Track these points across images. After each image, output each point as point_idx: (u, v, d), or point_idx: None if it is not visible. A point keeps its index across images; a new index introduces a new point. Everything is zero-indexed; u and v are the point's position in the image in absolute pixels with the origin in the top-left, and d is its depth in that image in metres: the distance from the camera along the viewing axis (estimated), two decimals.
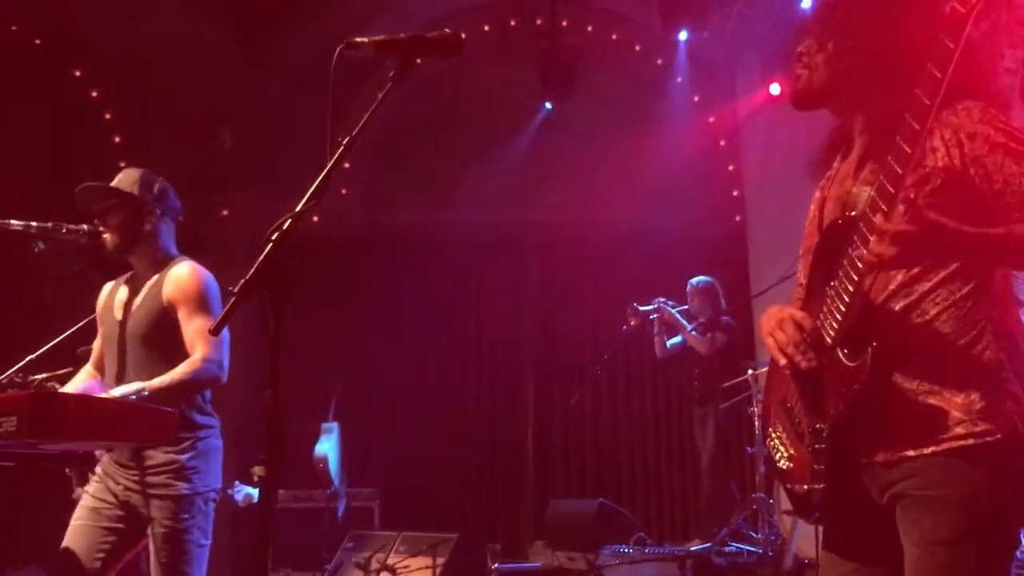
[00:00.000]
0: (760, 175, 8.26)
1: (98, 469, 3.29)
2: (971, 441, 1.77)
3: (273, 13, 8.29)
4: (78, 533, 3.18)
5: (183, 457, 3.18)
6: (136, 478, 3.16)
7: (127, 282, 3.47)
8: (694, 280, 7.18)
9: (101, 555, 3.15)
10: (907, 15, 1.94)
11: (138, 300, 3.35)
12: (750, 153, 8.59)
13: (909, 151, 1.71)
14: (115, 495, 3.22)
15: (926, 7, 1.93)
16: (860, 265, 1.79)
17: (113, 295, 3.47)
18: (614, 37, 8.87)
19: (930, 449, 1.79)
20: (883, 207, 1.74)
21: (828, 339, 1.88)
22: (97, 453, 3.29)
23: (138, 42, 7.95)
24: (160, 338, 3.27)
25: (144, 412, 2.87)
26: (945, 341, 1.83)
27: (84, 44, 8.09)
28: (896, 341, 1.83)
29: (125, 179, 3.39)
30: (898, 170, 1.72)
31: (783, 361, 1.95)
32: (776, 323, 1.96)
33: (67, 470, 3.42)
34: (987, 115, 1.84)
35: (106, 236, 3.34)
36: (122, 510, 3.20)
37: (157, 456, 3.16)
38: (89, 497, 3.25)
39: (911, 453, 1.81)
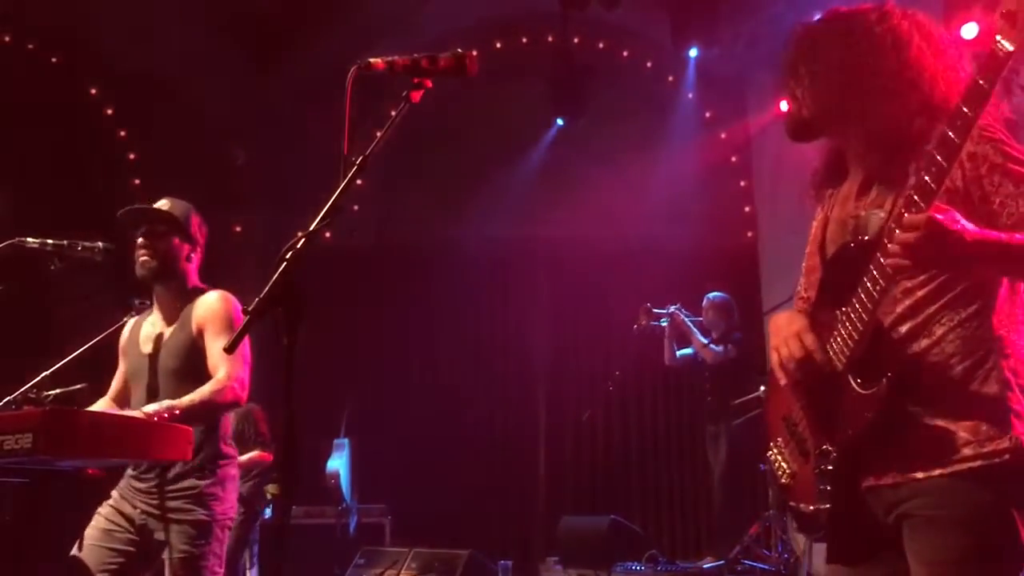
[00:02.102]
0: (772, 191, 8.25)
1: (115, 493, 3.30)
2: (979, 463, 1.77)
3: (286, 31, 8.34)
4: (86, 552, 3.19)
5: (203, 483, 3.20)
6: (156, 503, 3.19)
7: (154, 316, 3.49)
8: (711, 295, 7.23)
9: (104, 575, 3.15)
10: (870, 31, 1.96)
11: (169, 332, 3.37)
12: (762, 169, 8.59)
13: (935, 187, 1.69)
14: (130, 519, 3.23)
15: (892, 22, 1.96)
16: (876, 295, 1.79)
17: (138, 329, 3.49)
18: (625, 54, 8.89)
19: (938, 471, 1.79)
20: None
21: (839, 364, 1.88)
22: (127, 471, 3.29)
23: (153, 60, 8.01)
24: (191, 368, 3.28)
25: (158, 429, 2.87)
26: (952, 362, 1.83)
27: (99, 62, 8.16)
28: (904, 364, 1.83)
29: (176, 208, 3.43)
30: (922, 205, 1.71)
31: (782, 378, 1.97)
32: (782, 339, 1.96)
33: None
34: (986, 134, 1.83)
35: (144, 257, 3.35)
36: (136, 535, 3.21)
37: (178, 482, 3.18)
38: (102, 518, 3.25)
39: (920, 475, 1.81)
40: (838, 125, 2.04)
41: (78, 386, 3.50)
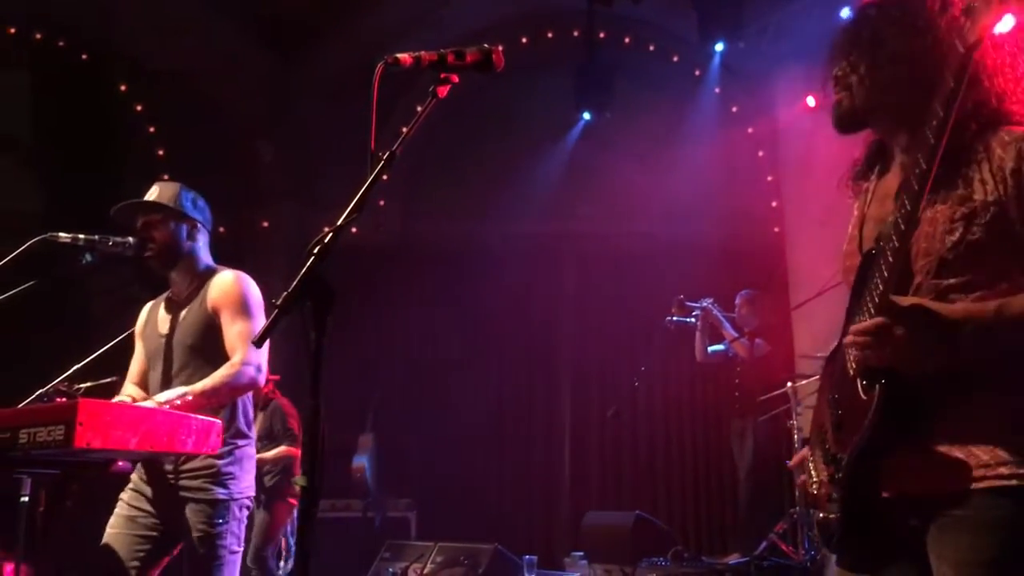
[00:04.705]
0: (799, 186, 8.19)
1: (134, 476, 3.31)
2: (1014, 483, 1.71)
3: (311, 27, 8.38)
4: (114, 541, 3.21)
5: (220, 462, 3.19)
6: (172, 482, 3.18)
7: (169, 299, 3.50)
8: (744, 292, 7.28)
9: (136, 563, 3.17)
10: (934, 23, 1.87)
11: (184, 312, 3.38)
12: (789, 164, 8.53)
13: (919, 190, 1.69)
14: (151, 501, 3.24)
15: (954, 12, 1.86)
16: (877, 299, 1.77)
17: (155, 313, 3.50)
18: (651, 48, 8.87)
19: (972, 486, 1.73)
20: (896, 242, 1.74)
21: (851, 370, 1.85)
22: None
23: (181, 57, 8.10)
24: (207, 345, 3.29)
25: (189, 422, 2.89)
26: (987, 378, 1.77)
27: (129, 59, 8.25)
28: (934, 375, 1.78)
29: (165, 192, 3.41)
30: (908, 206, 1.70)
31: None
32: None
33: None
34: None
35: (151, 251, 3.36)
36: (157, 517, 3.22)
37: (195, 460, 3.17)
38: (124, 505, 3.27)
39: (950, 489, 1.76)
40: (891, 119, 1.96)
41: (109, 379, 3.54)
